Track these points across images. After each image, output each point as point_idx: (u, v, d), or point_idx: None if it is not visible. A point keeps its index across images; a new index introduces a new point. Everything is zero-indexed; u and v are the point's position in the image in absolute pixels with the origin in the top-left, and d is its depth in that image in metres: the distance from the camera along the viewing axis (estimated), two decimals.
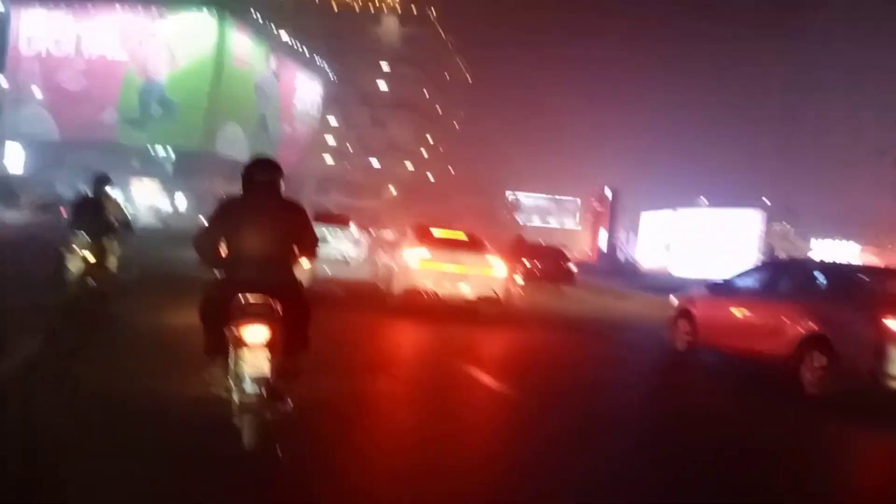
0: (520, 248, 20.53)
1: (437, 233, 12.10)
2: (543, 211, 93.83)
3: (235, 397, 3.86)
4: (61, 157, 49.39)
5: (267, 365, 3.81)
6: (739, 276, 9.80)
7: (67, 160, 49.18)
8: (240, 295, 3.95)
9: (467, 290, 10.69)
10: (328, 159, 78.72)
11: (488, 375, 7.22)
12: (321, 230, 20.86)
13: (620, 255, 40.47)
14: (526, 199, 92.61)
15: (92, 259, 7.50)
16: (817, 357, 7.14)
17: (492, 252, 11.58)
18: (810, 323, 7.41)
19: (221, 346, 3.97)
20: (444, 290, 10.61)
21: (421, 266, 10.72)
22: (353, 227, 21.96)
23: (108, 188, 7.99)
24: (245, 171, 4.27)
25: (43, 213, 27.10)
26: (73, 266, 7.42)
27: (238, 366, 3.82)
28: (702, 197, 45.81)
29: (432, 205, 65.57)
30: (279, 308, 3.98)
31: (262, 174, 4.27)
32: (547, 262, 20.97)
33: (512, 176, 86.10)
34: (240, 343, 3.81)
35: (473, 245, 11.75)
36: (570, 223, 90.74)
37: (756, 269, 10.23)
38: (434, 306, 10.64)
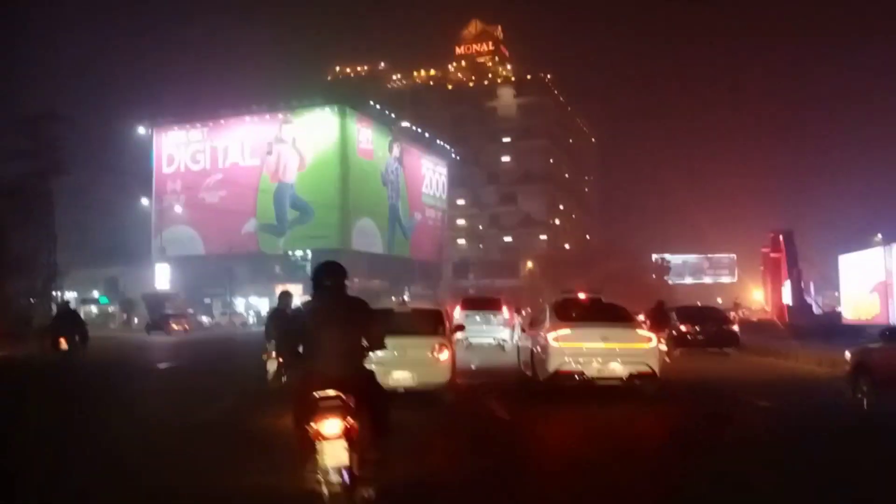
0: (662, 314, 18.13)
1: (579, 307, 11.31)
2: (695, 270, 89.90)
3: (325, 489, 4.06)
4: (209, 270, 50.62)
5: (346, 455, 4.05)
6: None
7: (214, 273, 50.40)
8: (315, 393, 4.16)
9: (619, 368, 9.83)
10: (462, 241, 77.06)
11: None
12: (473, 317, 19.02)
13: (814, 307, 34.10)
14: (675, 259, 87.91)
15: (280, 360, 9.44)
16: None
17: (640, 321, 11.01)
18: None
19: (309, 441, 4.12)
20: (593, 370, 9.80)
21: (564, 345, 9.93)
22: (505, 310, 20.52)
23: (290, 301, 10.66)
24: (314, 276, 4.62)
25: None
26: (271, 367, 9.99)
27: (322, 458, 4.06)
28: (879, 235, 38.70)
29: (573, 276, 62.22)
30: (352, 401, 4.16)
31: (328, 279, 4.58)
32: (706, 324, 19.14)
33: (655, 237, 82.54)
34: (319, 437, 4.05)
35: (620, 316, 10.93)
36: (727, 279, 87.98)
37: None
38: (584, 389, 9.95)
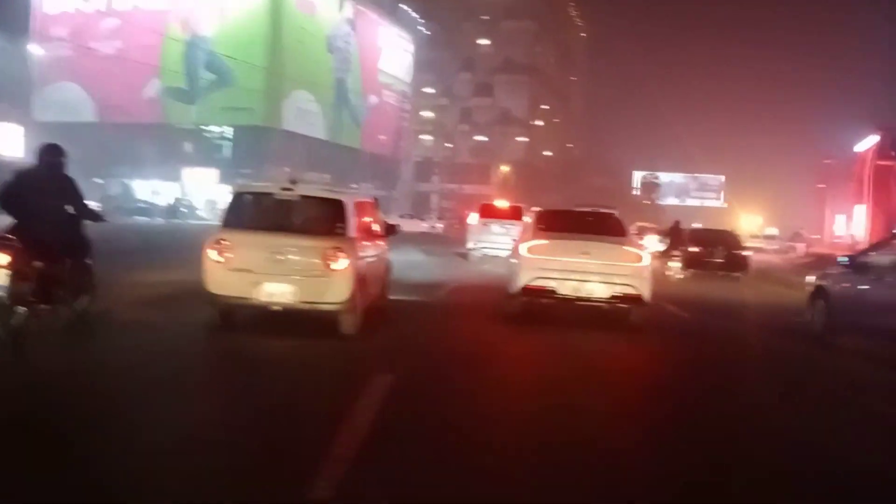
0: (678, 233, 19.58)
1: (565, 218, 10.06)
2: (681, 190, 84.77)
3: None
4: (103, 142, 38.86)
5: (7, 279, 5.53)
6: (876, 248, 9.19)
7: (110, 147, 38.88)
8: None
9: (599, 288, 8.54)
10: (426, 138, 65.43)
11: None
12: (490, 226, 19.25)
13: None
14: (664, 178, 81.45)
15: None
16: None
17: (631, 236, 10.00)
18: None
19: None
20: (568, 288, 8.51)
21: (537, 258, 8.70)
22: (527, 219, 18.21)
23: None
24: (37, 153, 6.40)
25: None
26: None
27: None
28: None
29: (552, 189, 54.01)
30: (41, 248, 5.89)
31: (47, 156, 6.34)
32: (718, 248, 18.87)
33: (640, 153, 79.43)
34: None
35: (610, 229, 9.36)
36: (714, 202, 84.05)
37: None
38: (558, 310, 8.95)
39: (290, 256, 6.85)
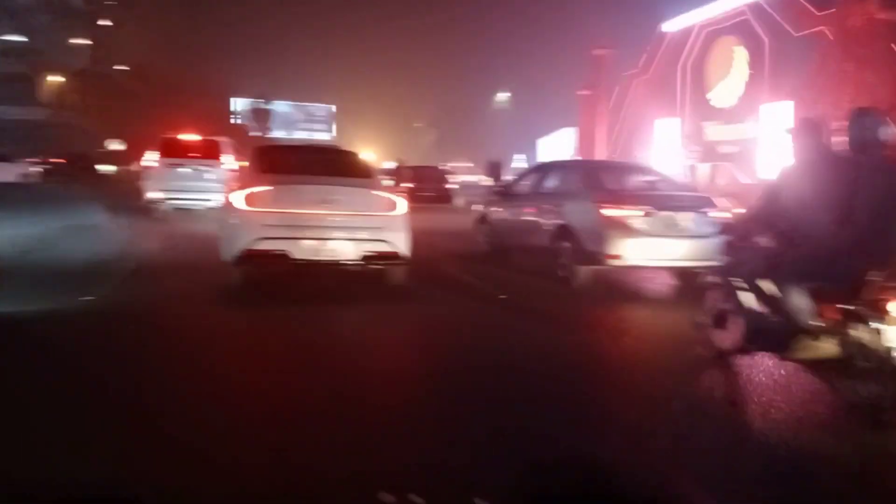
0: (401, 172, 20.47)
1: (292, 156, 8.35)
2: (287, 121, 75.94)
3: None
4: None
5: None
6: (518, 178, 10.93)
7: None
8: None
9: (346, 247, 6.63)
10: None
11: None
12: (176, 170, 14.65)
13: None
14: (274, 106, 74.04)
15: None
16: (565, 245, 7.86)
17: (378, 177, 8.27)
18: (558, 217, 8.22)
19: None
20: (305, 249, 6.48)
21: (259, 211, 6.53)
22: (227, 160, 15.10)
23: None
24: None
25: None
26: None
27: None
28: None
29: (139, 115, 42.27)
30: None
31: None
32: (430, 183, 20.67)
33: (246, 79, 68.30)
34: None
35: (353, 169, 7.60)
36: (323, 134, 78.01)
37: (528, 172, 11.17)
38: (295, 278, 7.15)
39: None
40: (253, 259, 6.51)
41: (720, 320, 4.54)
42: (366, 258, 6.64)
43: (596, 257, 7.39)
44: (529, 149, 45.27)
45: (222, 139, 16.05)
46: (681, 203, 7.80)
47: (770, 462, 3.12)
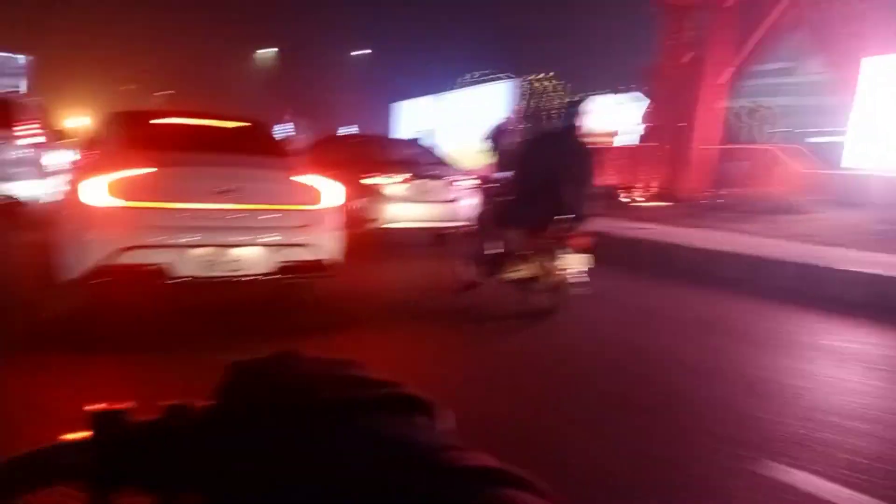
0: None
1: (168, 127, 5.79)
2: None
3: None
4: None
5: None
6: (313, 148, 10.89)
7: None
8: None
9: (253, 256, 4.87)
10: None
11: None
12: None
13: None
14: None
15: None
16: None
17: (301, 159, 6.40)
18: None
19: None
20: (191, 264, 4.65)
21: (123, 207, 4.59)
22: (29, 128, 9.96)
23: None
24: None
25: None
26: None
27: None
28: None
29: None
30: None
31: None
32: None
33: None
34: None
35: (254, 144, 5.71)
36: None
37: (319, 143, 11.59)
38: (172, 303, 5.02)
39: None
40: (112, 278, 4.52)
41: (469, 259, 6.08)
42: (283, 270, 4.98)
43: (367, 222, 8.40)
44: (376, 120, 38.74)
45: (14, 96, 11.84)
46: (430, 173, 9.13)
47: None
